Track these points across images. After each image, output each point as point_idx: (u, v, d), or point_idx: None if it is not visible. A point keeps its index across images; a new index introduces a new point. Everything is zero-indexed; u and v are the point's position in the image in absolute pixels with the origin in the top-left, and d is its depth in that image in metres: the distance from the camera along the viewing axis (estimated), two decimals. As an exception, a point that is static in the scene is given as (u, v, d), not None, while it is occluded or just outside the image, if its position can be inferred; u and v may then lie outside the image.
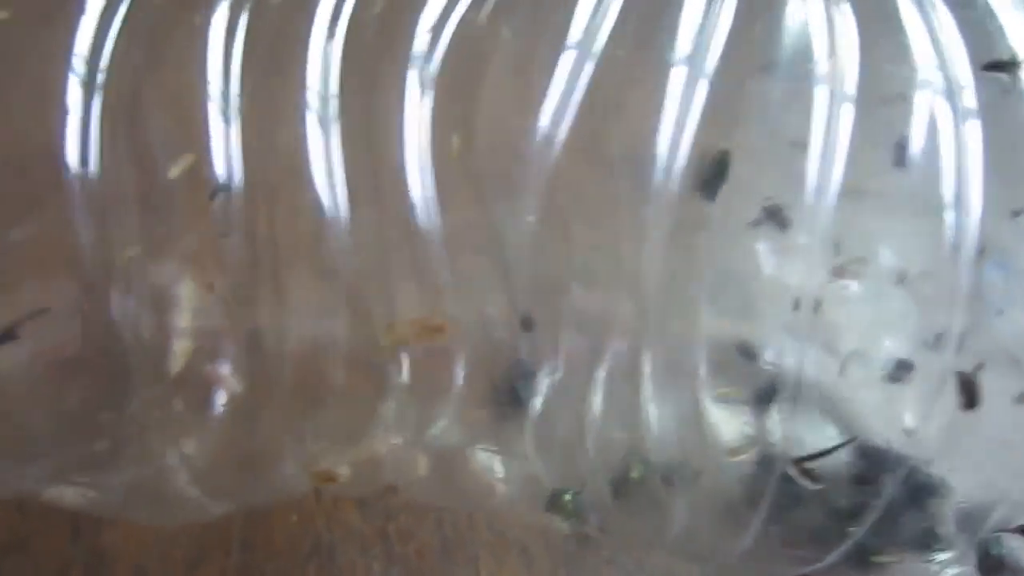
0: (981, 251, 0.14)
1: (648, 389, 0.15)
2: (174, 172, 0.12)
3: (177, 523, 0.20)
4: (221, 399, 0.15)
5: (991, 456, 0.15)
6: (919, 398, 0.15)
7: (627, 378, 0.15)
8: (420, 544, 0.21)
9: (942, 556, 0.16)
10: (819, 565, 0.17)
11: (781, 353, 0.15)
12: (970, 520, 0.16)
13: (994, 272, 0.14)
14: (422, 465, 0.17)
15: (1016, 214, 0.14)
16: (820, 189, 0.14)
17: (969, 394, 0.14)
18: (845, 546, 0.17)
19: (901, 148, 0.14)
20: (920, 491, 0.16)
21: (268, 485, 0.18)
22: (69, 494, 0.16)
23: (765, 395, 0.15)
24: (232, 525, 0.21)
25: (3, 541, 0.20)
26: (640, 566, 0.22)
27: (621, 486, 0.17)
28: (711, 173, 0.14)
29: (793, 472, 0.15)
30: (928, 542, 0.16)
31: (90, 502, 0.16)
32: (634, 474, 0.17)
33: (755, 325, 0.15)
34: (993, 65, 0.14)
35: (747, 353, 0.15)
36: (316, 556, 0.21)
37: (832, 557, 0.17)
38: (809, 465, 0.15)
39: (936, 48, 0.15)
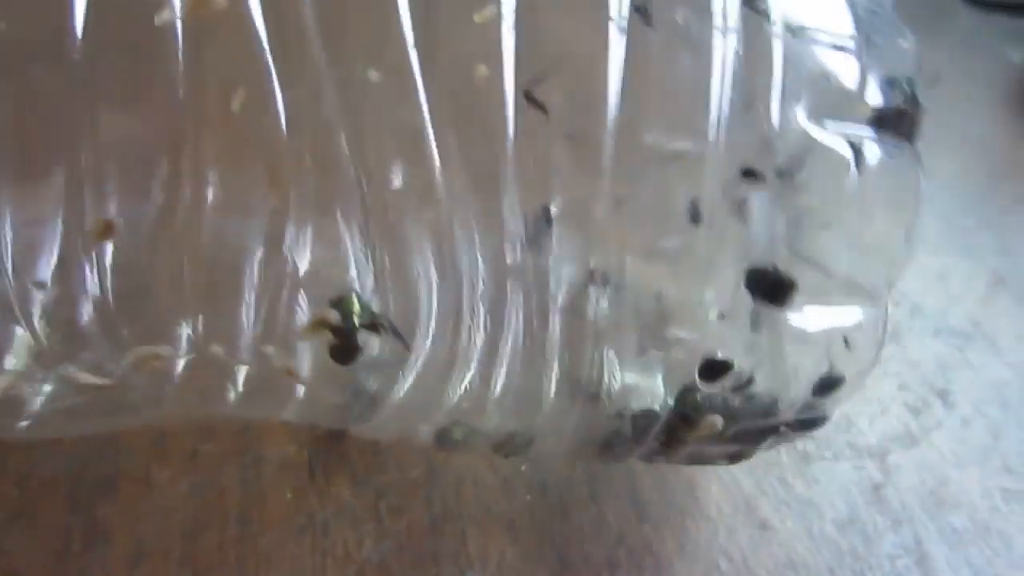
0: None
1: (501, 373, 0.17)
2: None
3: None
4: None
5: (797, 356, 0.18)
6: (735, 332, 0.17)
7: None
8: (410, 520, 0.22)
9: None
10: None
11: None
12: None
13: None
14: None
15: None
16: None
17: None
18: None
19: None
20: (756, 407, 0.18)
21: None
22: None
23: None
24: (228, 500, 0.22)
25: (3, 515, 0.20)
26: (621, 540, 0.23)
27: (444, 439, 0.19)
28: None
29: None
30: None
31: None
32: (456, 435, 0.19)
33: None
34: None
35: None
36: (310, 530, 0.22)
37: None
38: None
39: None
